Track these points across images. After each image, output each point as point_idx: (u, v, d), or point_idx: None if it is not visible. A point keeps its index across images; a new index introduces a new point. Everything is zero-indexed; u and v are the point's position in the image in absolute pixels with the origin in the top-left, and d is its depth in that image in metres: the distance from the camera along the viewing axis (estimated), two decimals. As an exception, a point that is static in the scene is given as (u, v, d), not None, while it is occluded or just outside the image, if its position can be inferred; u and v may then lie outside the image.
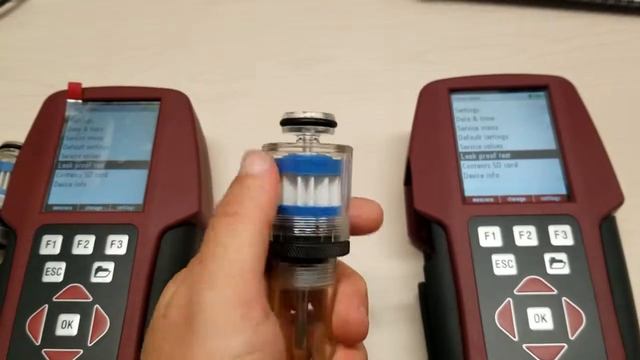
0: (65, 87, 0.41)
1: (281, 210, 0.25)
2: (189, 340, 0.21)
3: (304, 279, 0.25)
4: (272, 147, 0.26)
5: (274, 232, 0.25)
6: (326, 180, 0.25)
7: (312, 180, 0.25)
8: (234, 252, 0.22)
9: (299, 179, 0.25)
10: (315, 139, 0.26)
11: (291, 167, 0.25)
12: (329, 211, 0.25)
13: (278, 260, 0.25)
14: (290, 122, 0.25)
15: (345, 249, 0.26)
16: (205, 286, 0.21)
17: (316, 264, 0.25)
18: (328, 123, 0.25)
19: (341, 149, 0.26)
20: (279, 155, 0.25)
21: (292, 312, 0.26)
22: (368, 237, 0.41)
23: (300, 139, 0.26)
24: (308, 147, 0.25)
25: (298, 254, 0.24)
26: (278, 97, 0.50)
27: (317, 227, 0.25)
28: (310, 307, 0.26)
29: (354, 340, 0.26)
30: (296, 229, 0.25)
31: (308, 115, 0.25)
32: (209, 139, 0.46)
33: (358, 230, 0.28)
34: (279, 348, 0.22)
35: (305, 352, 0.26)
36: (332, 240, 0.25)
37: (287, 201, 0.25)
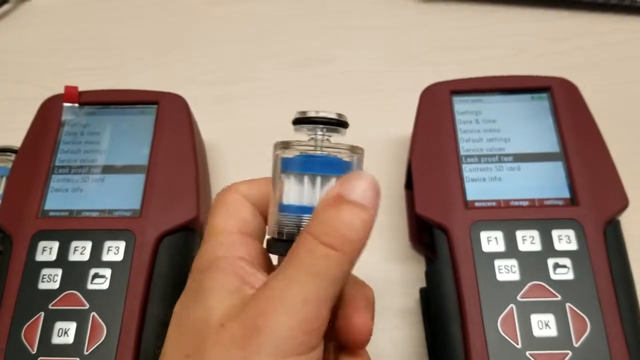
0: (62, 89, 0.40)
1: (287, 208, 0.25)
2: (247, 349, 0.21)
3: None
4: (285, 145, 0.26)
5: (278, 229, 0.25)
6: (334, 180, 0.25)
7: (319, 180, 0.25)
8: (319, 288, 0.22)
9: (306, 178, 0.25)
10: (327, 138, 0.26)
11: (301, 167, 0.25)
12: None
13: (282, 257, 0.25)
14: (303, 121, 0.25)
15: None
16: (279, 309, 0.21)
17: None
18: (340, 123, 0.26)
19: (353, 149, 0.26)
20: (288, 154, 0.25)
21: None
22: (369, 240, 0.41)
23: (312, 138, 0.26)
24: (319, 146, 0.25)
25: None
26: (278, 99, 0.50)
27: None
28: None
29: (357, 344, 0.26)
30: (302, 227, 0.24)
31: (321, 114, 0.25)
32: (207, 141, 0.46)
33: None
34: None
35: None
36: None
37: (294, 200, 0.25)
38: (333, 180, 0.25)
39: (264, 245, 0.27)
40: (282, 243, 0.25)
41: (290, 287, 0.22)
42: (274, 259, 0.27)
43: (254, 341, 0.21)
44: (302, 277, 0.22)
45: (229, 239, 0.25)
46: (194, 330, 0.23)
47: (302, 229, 0.24)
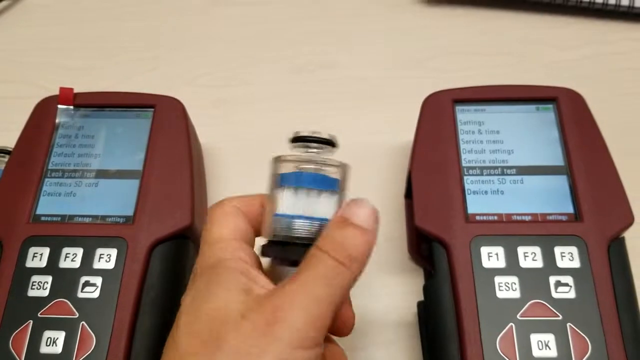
0: (58, 89, 0.39)
1: (282, 215, 0.28)
2: (267, 336, 0.23)
3: None
4: (281, 159, 0.29)
5: (273, 232, 0.28)
6: (323, 194, 0.29)
7: (310, 193, 0.29)
8: (329, 293, 0.25)
9: (299, 192, 0.29)
10: (318, 154, 0.30)
11: (295, 181, 0.29)
12: (323, 220, 0.28)
13: (275, 261, 0.29)
14: (298, 140, 0.30)
15: None
16: (301, 304, 0.24)
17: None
18: (331, 143, 0.30)
19: (341, 165, 0.30)
20: (284, 169, 0.29)
21: None
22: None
23: (305, 154, 0.30)
24: (312, 161, 0.29)
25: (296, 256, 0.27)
26: (277, 104, 0.49)
27: (312, 232, 0.28)
28: None
29: (346, 331, 0.29)
30: (295, 233, 0.28)
31: (315, 135, 0.29)
32: (205, 145, 0.45)
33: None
34: None
35: None
36: None
37: (287, 209, 0.28)
38: (326, 195, 0.29)
39: (257, 251, 0.29)
40: (276, 247, 0.28)
41: (305, 289, 0.25)
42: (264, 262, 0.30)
43: (274, 330, 0.24)
44: (315, 281, 0.25)
45: (230, 244, 0.28)
46: (211, 320, 0.25)
47: (294, 230, 0.28)
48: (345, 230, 0.26)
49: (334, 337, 0.30)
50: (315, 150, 0.29)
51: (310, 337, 0.24)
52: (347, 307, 0.29)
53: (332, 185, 0.29)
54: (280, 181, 0.29)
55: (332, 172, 0.29)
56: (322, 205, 0.28)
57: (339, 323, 0.28)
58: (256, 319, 0.24)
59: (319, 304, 0.25)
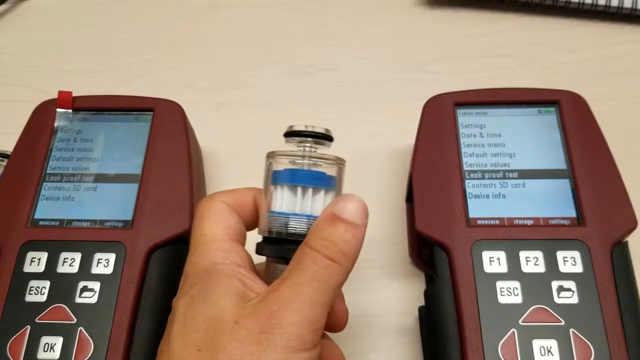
0: (57, 92, 0.39)
1: (277, 213, 0.28)
2: (263, 343, 0.23)
3: None
4: (276, 155, 0.29)
5: (268, 229, 0.28)
6: (319, 191, 0.28)
7: (306, 191, 0.28)
8: (322, 294, 0.25)
9: (294, 189, 0.28)
10: (314, 150, 0.29)
11: (290, 179, 0.28)
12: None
13: (271, 259, 0.28)
14: (292, 134, 0.29)
15: None
16: (294, 307, 0.24)
17: None
18: (326, 137, 0.29)
19: (337, 160, 0.29)
20: (279, 165, 0.29)
21: None
22: (367, 255, 0.40)
23: (300, 149, 0.29)
24: (307, 156, 0.29)
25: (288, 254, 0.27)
26: (278, 107, 0.49)
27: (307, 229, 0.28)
28: None
29: (340, 327, 0.30)
30: (291, 232, 0.28)
31: (309, 129, 0.28)
32: (205, 149, 0.45)
33: None
34: None
35: None
36: None
37: (283, 207, 0.28)
38: (321, 192, 0.28)
39: (254, 248, 0.29)
40: (272, 245, 0.28)
41: (299, 292, 0.24)
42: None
43: (269, 336, 0.23)
44: (309, 283, 0.25)
45: (223, 246, 0.27)
46: (206, 327, 0.24)
47: (289, 227, 0.27)
48: (336, 226, 0.26)
49: (329, 334, 0.30)
50: (310, 144, 0.29)
51: (307, 339, 0.24)
52: (339, 303, 0.29)
53: (328, 183, 0.28)
54: (276, 178, 0.28)
55: (328, 167, 0.29)
56: (318, 203, 0.28)
57: (332, 319, 0.28)
58: (251, 326, 0.24)
59: (312, 306, 0.24)
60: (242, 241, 0.29)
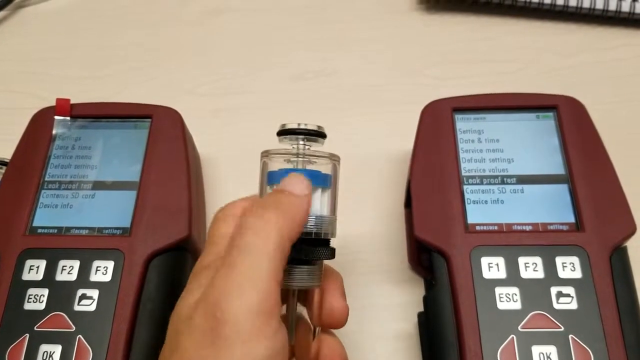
0: (55, 99, 0.39)
1: None
2: (217, 344, 0.22)
3: (299, 278, 0.27)
4: (270, 153, 0.29)
5: None
6: (317, 190, 0.28)
7: None
8: (261, 260, 0.23)
9: None
10: (308, 147, 0.29)
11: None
12: (317, 218, 0.28)
13: None
14: (286, 133, 0.29)
15: (333, 253, 0.29)
16: (233, 293, 0.23)
17: (311, 264, 0.28)
18: (319, 134, 0.29)
19: (331, 156, 0.29)
20: (273, 165, 0.29)
21: None
22: (367, 261, 0.40)
23: (294, 147, 0.29)
24: (301, 154, 0.29)
25: (303, 255, 0.27)
26: (276, 112, 0.48)
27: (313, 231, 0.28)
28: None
29: (339, 324, 0.29)
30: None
31: (302, 126, 0.28)
32: (203, 155, 0.45)
33: None
34: (287, 352, 0.24)
35: (290, 347, 0.28)
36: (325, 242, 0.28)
37: None
38: (318, 190, 0.28)
39: None
40: None
41: (236, 273, 0.23)
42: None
43: (220, 334, 0.22)
44: (243, 259, 0.23)
45: None
46: (172, 327, 0.24)
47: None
48: (277, 194, 0.26)
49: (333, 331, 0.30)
50: (303, 142, 0.29)
51: (258, 326, 0.23)
52: (339, 299, 0.29)
53: (323, 182, 0.29)
54: (271, 179, 0.28)
55: (323, 165, 0.29)
56: (315, 201, 0.28)
57: (332, 316, 0.28)
58: (200, 322, 0.23)
59: (254, 284, 0.23)
60: None
